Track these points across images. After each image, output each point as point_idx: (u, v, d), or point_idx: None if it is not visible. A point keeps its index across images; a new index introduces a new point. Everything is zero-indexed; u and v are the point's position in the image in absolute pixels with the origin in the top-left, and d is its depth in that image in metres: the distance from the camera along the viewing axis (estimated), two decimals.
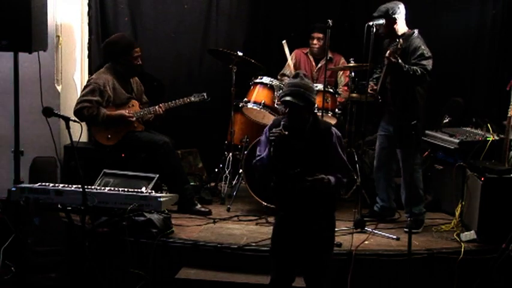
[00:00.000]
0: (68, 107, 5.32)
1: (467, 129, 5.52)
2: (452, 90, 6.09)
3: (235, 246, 4.42)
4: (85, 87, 5.13)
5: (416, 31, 4.80)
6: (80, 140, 4.49)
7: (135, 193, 3.95)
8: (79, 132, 4.05)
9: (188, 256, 4.44)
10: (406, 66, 4.58)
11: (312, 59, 6.05)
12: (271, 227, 4.79)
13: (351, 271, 4.22)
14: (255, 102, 5.48)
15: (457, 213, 4.96)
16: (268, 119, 5.57)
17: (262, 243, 4.45)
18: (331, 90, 5.50)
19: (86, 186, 3.83)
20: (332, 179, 3.48)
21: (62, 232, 4.69)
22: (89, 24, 5.98)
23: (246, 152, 5.30)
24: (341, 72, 6.01)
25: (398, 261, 4.32)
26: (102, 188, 4.17)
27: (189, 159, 6.01)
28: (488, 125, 5.41)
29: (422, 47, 4.69)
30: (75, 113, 4.93)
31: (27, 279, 4.54)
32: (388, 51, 4.61)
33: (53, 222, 4.73)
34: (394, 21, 4.77)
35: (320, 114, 5.04)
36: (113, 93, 5.09)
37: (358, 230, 4.78)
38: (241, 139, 5.74)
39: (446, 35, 6.13)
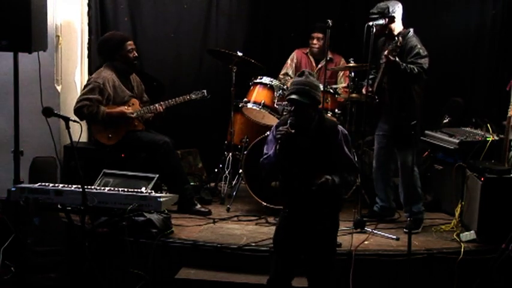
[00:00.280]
0: (67, 107, 5.32)
1: (467, 129, 5.52)
2: (452, 90, 6.09)
3: (235, 246, 4.42)
4: (85, 86, 5.14)
5: (411, 30, 4.80)
6: (80, 140, 4.49)
7: (134, 193, 3.95)
8: (79, 132, 4.05)
9: (188, 256, 4.44)
10: (404, 64, 4.59)
11: (312, 59, 6.05)
12: (271, 227, 4.83)
13: (352, 271, 4.22)
14: (254, 102, 5.48)
15: (456, 214, 4.96)
16: (268, 119, 5.58)
17: (261, 243, 4.46)
18: (331, 91, 5.51)
19: (85, 186, 3.83)
20: (336, 178, 3.49)
21: (62, 232, 4.69)
22: (89, 24, 5.98)
23: (245, 152, 5.30)
24: (341, 74, 6.00)
25: (398, 261, 4.32)
26: (102, 188, 4.16)
27: (189, 159, 6.01)
28: (488, 125, 5.42)
29: (418, 45, 4.70)
30: (75, 111, 4.94)
31: (27, 279, 4.54)
32: (386, 50, 4.61)
33: (52, 222, 4.73)
34: (392, 20, 4.77)
35: None
36: (113, 91, 5.09)
37: (358, 230, 4.78)
38: (241, 139, 5.74)
39: (446, 35, 6.13)
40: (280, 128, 3.50)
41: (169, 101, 5.25)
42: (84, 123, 4.92)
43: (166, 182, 5.17)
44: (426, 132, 5.48)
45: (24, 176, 4.59)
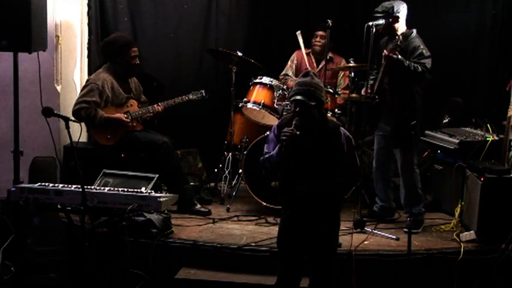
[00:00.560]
0: (67, 107, 5.31)
1: (467, 129, 5.52)
2: (452, 90, 6.09)
3: (235, 246, 4.42)
4: (83, 87, 5.13)
5: (414, 31, 4.80)
6: (80, 140, 4.50)
7: (134, 193, 3.95)
8: (79, 132, 4.05)
9: (188, 256, 4.44)
10: (407, 62, 4.59)
11: (313, 59, 6.05)
12: (271, 227, 4.84)
13: (354, 272, 4.23)
14: (254, 102, 5.48)
15: (456, 214, 4.96)
16: (268, 119, 5.58)
17: (261, 243, 4.46)
18: (331, 91, 5.51)
19: (85, 186, 3.83)
20: (336, 180, 3.50)
21: (62, 232, 4.69)
22: (89, 24, 5.98)
23: (245, 152, 5.30)
24: (341, 74, 6.00)
25: (398, 261, 4.32)
26: (102, 188, 4.16)
27: (189, 159, 6.01)
28: (488, 125, 5.41)
29: (421, 46, 4.70)
30: (73, 113, 4.93)
31: (27, 279, 4.54)
32: (387, 49, 4.61)
33: (52, 222, 4.73)
34: (397, 19, 4.77)
35: None
36: (112, 93, 5.09)
37: (358, 230, 4.79)
38: (241, 139, 5.74)
39: (446, 35, 6.13)
40: (285, 129, 3.47)
41: (168, 101, 5.26)
42: (83, 123, 4.92)
43: (166, 182, 5.16)
44: (426, 132, 5.48)
45: (24, 176, 4.60)
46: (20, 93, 4.31)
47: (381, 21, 4.80)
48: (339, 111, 5.54)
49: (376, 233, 4.79)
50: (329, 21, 5.16)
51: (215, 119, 6.15)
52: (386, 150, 4.99)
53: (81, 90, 5.15)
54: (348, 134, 3.61)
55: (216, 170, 5.85)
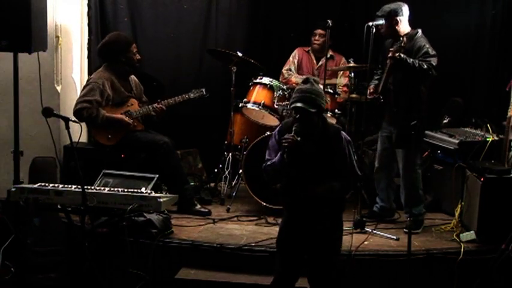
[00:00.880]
0: (67, 107, 5.32)
1: (467, 129, 5.52)
2: (452, 90, 6.08)
3: (235, 247, 4.43)
4: (84, 87, 5.13)
5: (419, 31, 4.81)
6: (80, 140, 4.49)
7: (134, 193, 3.94)
8: (79, 132, 4.05)
9: (188, 256, 4.44)
10: (411, 59, 4.59)
11: (313, 57, 6.05)
12: (271, 227, 4.84)
13: (352, 272, 4.23)
14: (254, 103, 5.48)
15: (456, 214, 4.96)
16: (268, 119, 5.58)
17: (261, 243, 4.46)
18: (331, 91, 5.51)
19: (85, 187, 3.83)
20: (336, 184, 3.51)
21: (62, 232, 4.69)
22: (89, 24, 5.98)
23: (245, 153, 5.30)
24: (341, 73, 6.01)
25: (398, 261, 4.32)
26: (102, 188, 4.16)
27: (189, 160, 6.01)
28: (488, 125, 5.42)
29: (427, 45, 4.71)
30: (75, 113, 4.92)
31: (27, 279, 4.54)
32: (391, 51, 4.62)
33: (52, 223, 4.73)
34: (396, 22, 4.77)
35: None
36: (112, 92, 5.08)
37: (358, 230, 4.79)
38: (241, 139, 5.74)
39: (446, 35, 6.12)
40: (286, 136, 3.48)
41: (168, 100, 5.25)
42: (83, 123, 4.91)
43: (166, 182, 5.16)
44: (426, 132, 5.47)
45: (24, 176, 4.60)
46: (20, 93, 4.31)
47: (381, 21, 4.82)
48: (339, 112, 5.55)
49: (376, 233, 4.79)
50: (329, 21, 5.16)
51: (215, 119, 6.15)
52: (390, 152, 4.98)
53: (82, 90, 5.15)
54: (349, 138, 3.62)
55: (216, 170, 5.85)
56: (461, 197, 4.91)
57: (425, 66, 4.60)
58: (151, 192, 4.00)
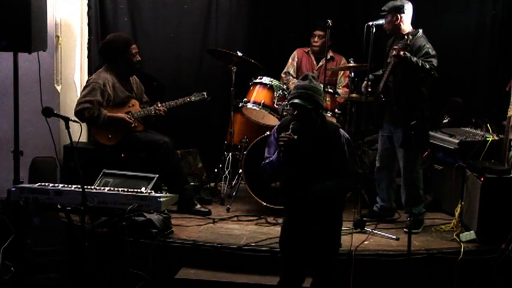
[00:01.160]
0: (67, 107, 5.32)
1: (467, 129, 5.52)
2: (452, 90, 6.08)
3: (235, 246, 4.43)
4: (85, 87, 5.13)
5: (420, 31, 4.81)
6: (80, 140, 4.49)
7: (134, 193, 3.95)
8: (79, 132, 4.04)
9: (188, 256, 4.44)
10: (415, 58, 4.60)
11: (313, 58, 6.05)
12: (271, 227, 4.84)
13: (353, 272, 4.23)
14: (254, 103, 5.48)
15: (456, 214, 4.96)
16: (268, 119, 5.58)
17: (261, 243, 4.46)
18: (331, 91, 5.51)
19: (85, 186, 3.83)
20: (331, 184, 3.49)
21: (62, 232, 4.69)
22: (89, 24, 5.98)
23: (245, 152, 5.30)
24: (341, 73, 6.01)
25: (398, 261, 4.32)
26: (102, 188, 4.16)
27: (189, 159, 6.01)
28: (488, 125, 5.42)
29: (427, 45, 4.71)
30: (76, 114, 4.93)
31: (27, 279, 4.54)
32: (395, 49, 4.62)
33: (52, 222, 4.73)
34: (397, 18, 4.77)
35: None
36: (113, 92, 5.09)
37: (358, 230, 4.79)
38: (241, 139, 5.74)
39: (446, 35, 6.12)
40: (283, 135, 3.47)
41: (169, 102, 5.26)
42: (83, 123, 4.91)
43: (166, 182, 5.16)
44: None
45: (24, 176, 4.59)
46: (20, 94, 4.30)
47: (381, 21, 4.83)
48: (338, 111, 5.55)
49: (376, 233, 4.79)
50: (329, 21, 5.16)
51: (215, 119, 6.15)
52: (391, 152, 4.98)
53: (83, 90, 5.15)
54: (348, 136, 3.61)
55: (216, 170, 5.85)
56: (461, 197, 4.91)
57: (428, 66, 4.61)
58: (151, 192, 4.00)
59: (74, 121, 4.00)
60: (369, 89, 4.91)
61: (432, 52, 4.69)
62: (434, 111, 5.81)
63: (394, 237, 4.70)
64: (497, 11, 6.10)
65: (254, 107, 5.49)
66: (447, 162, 5.30)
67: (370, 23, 4.81)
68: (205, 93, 5.36)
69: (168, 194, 4.22)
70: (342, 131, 3.58)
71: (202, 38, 6.30)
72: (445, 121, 5.87)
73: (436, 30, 6.08)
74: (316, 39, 5.93)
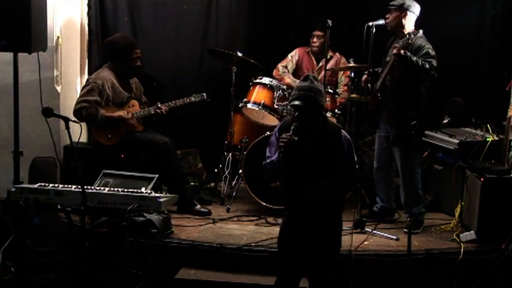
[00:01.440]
0: (67, 107, 5.31)
1: (467, 129, 5.52)
2: (452, 90, 6.08)
3: (235, 247, 4.43)
4: (84, 87, 5.14)
5: (421, 31, 4.81)
6: (80, 140, 4.49)
7: (134, 193, 3.95)
8: (79, 132, 4.05)
9: (188, 256, 4.44)
10: (415, 57, 4.60)
11: (313, 58, 6.05)
12: (271, 227, 4.84)
13: (352, 272, 4.23)
14: (254, 103, 5.48)
15: (456, 214, 4.96)
16: (268, 119, 5.58)
17: (261, 243, 4.46)
18: (331, 91, 5.51)
19: (85, 187, 3.83)
20: (324, 183, 3.49)
21: (62, 232, 4.69)
22: (89, 24, 5.98)
23: (245, 153, 5.30)
24: (341, 73, 6.01)
25: (398, 261, 4.32)
26: (102, 188, 4.16)
27: (189, 160, 6.01)
28: (488, 125, 5.42)
29: (427, 45, 4.71)
30: (74, 113, 4.93)
31: (27, 279, 4.54)
32: (396, 47, 4.62)
33: (52, 223, 4.73)
34: (405, 15, 4.78)
35: None
36: (112, 92, 5.09)
37: (358, 230, 4.79)
38: (241, 139, 5.74)
39: (446, 35, 6.12)
40: (284, 136, 3.46)
41: (169, 103, 5.26)
42: (84, 123, 4.91)
43: (166, 182, 5.16)
44: (426, 132, 5.47)
45: (24, 176, 4.60)
46: (20, 94, 4.30)
47: (381, 22, 4.83)
48: (339, 112, 5.55)
49: (376, 233, 4.79)
50: (329, 21, 5.16)
51: (215, 119, 6.15)
52: (388, 151, 4.98)
53: (82, 90, 5.15)
54: (349, 136, 3.61)
55: (216, 170, 5.85)
56: (461, 197, 4.91)
57: (427, 66, 4.61)
58: (151, 192, 4.01)
59: (74, 121, 4.00)
60: (369, 85, 4.91)
61: (432, 53, 4.70)
62: (434, 111, 5.84)
63: (394, 237, 4.70)
64: (497, 11, 6.10)
65: (254, 107, 5.49)
66: (447, 163, 5.30)
67: (370, 23, 4.81)
68: (204, 94, 5.36)
69: (168, 194, 4.22)
70: (343, 131, 3.58)
71: (202, 38, 6.30)
72: (445, 121, 5.87)
73: (436, 30, 6.06)
74: (315, 39, 5.93)
